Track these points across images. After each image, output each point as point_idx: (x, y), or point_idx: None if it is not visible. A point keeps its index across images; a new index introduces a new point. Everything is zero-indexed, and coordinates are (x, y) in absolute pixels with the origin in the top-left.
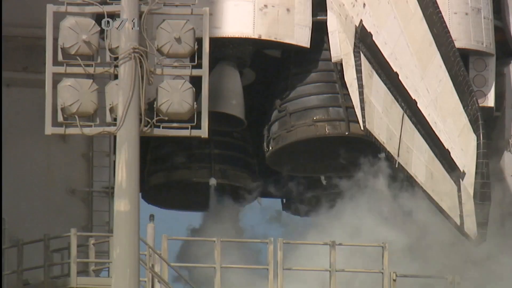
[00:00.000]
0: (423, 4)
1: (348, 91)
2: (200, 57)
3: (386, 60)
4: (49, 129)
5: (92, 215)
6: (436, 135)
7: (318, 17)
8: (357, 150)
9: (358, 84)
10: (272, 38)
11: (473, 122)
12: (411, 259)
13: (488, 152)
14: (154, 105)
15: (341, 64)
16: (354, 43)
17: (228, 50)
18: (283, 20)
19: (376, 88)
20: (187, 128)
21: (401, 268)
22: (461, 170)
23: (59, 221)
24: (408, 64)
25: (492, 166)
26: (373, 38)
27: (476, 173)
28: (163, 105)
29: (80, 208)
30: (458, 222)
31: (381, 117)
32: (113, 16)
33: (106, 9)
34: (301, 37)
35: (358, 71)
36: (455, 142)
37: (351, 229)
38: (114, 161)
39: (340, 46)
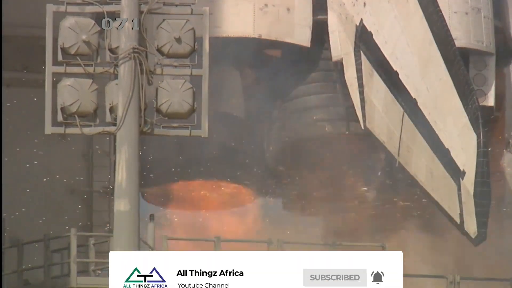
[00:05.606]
0: (423, 3)
1: (348, 91)
2: (200, 57)
3: (387, 59)
4: (49, 129)
5: (92, 215)
6: (436, 134)
7: (319, 17)
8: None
9: (358, 84)
10: (273, 38)
11: (473, 121)
12: None
13: (488, 151)
14: (154, 105)
15: (342, 64)
16: (355, 42)
17: (228, 50)
18: (283, 20)
19: (376, 87)
20: (187, 128)
21: None
22: (461, 169)
23: (59, 221)
24: (409, 63)
25: (491, 166)
26: (374, 37)
27: (476, 172)
28: (163, 105)
29: (80, 208)
30: (458, 221)
31: (381, 117)
32: (113, 16)
33: (106, 9)
34: (302, 37)
35: (359, 71)
36: (455, 141)
37: None
38: (114, 161)
39: (341, 45)
